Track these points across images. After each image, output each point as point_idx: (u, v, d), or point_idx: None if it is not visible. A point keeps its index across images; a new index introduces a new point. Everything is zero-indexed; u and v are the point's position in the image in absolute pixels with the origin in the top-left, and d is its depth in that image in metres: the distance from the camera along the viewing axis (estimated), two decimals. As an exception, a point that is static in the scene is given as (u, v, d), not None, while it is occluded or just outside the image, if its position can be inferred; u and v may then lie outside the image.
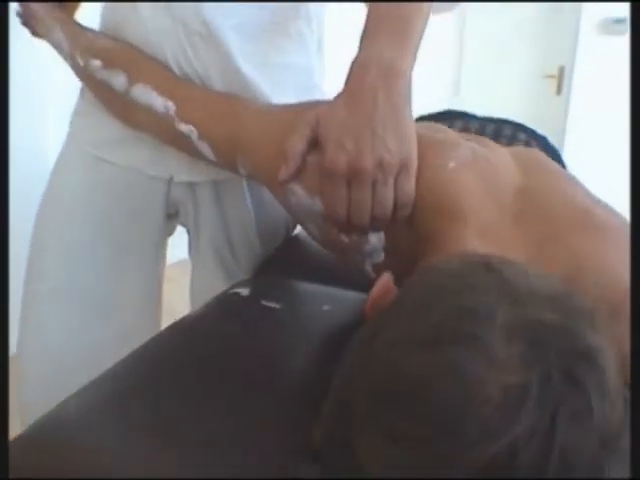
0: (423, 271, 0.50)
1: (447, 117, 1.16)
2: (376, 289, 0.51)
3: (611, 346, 0.39)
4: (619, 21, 3.47)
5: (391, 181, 0.61)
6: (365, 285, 0.83)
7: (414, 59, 0.66)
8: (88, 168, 0.89)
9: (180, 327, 0.74)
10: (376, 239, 0.67)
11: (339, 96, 0.64)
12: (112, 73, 0.79)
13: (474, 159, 0.69)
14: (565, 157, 3.70)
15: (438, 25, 4.21)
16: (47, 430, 0.56)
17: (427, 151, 0.65)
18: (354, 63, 0.64)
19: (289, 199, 0.68)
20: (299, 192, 0.67)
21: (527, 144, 1.08)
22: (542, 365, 0.35)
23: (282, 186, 0.67)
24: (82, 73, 0.85)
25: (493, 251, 0.56)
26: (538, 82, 3.93)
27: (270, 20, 0.83)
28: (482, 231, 0.63)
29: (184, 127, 0.76)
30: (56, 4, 0.88)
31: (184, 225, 0.98)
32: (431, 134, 0.73)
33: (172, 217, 0.96)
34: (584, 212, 0.67)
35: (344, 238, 0.67)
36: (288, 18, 0.85)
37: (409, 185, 0.62)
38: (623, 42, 3.49)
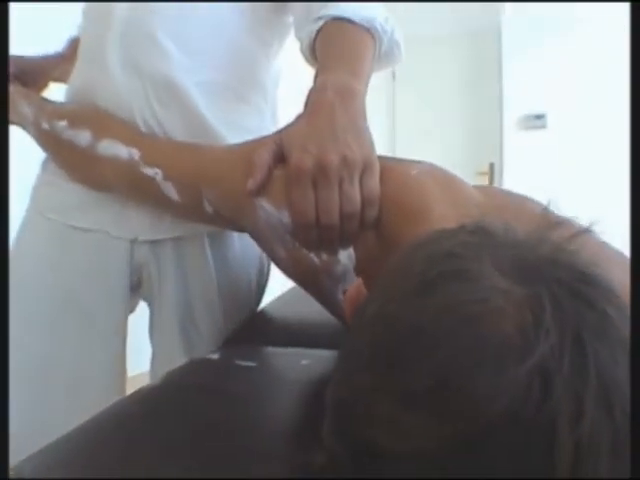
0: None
1: None
2: (351, 289, 0.52)
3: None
4: (539, 117, 3.73)
5: (356, 178, 0.60)
6: (338, 344, 0.81)
7: (366, 89, 0.71)
8: (52, 235, 0.87)
9: (154, 386, 0.69)
10: (346, 258, 0.67)
11: (300, 115, 0.65)
12: (78, 131, 0.81)
13: (434, 170, 0.69)
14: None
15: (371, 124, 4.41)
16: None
17: (389, 162, 0.66)
18: (312, 88, 0.67)
19: (258, 218, 0.67)
20: (267, 207, 0.66)
21: None
22: (547, 287, 0.32)
23: (250, 199, 0.66)
24: (45, 138, 0.86)
25: None
26: (472, 179, 4.12)
27: (228, 84, 0.86)
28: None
29: (149, 170, 0.77)
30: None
31: (146, 298, 0.94)
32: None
33: (135, 289, 0.92)
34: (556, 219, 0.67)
35: (315, 259, 0.66)
36: (245, 85, 0.89)
37: (374, 182, 0.62)
38: (544, 135, 3.75)
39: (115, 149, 0.79)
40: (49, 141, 0.87)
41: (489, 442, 0.29)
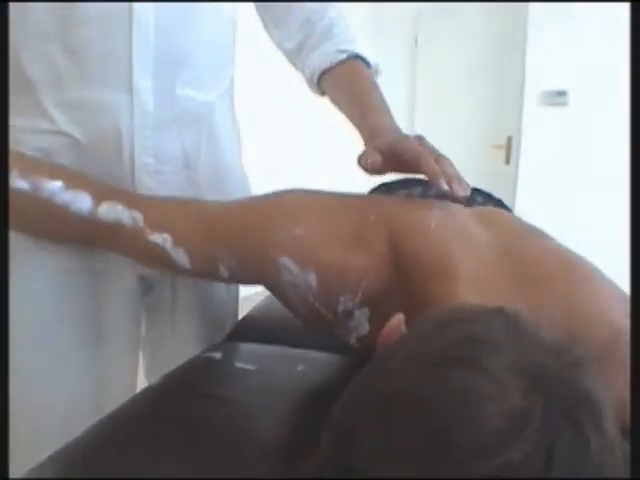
0: (432, 311, 0.50)
1: (406, 184, 1.20)
2: (387, 327, 0.52)
3: (608, 396, 0.40)
4: (561, 93, 3.68)
5: None
6: (335, 347, 0.85)
7: None
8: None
9: (155, 388, 0.73)
10: (360, 313, 0.68)
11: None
12: (76, 194, 0.72)
13: (447, 219, 0.72)
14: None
15: (390, 99, 4.38)
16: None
17: (408, 216, 0.70)
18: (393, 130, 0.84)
19: (280, 278, 0.68)
20: (292, 268, 0.67)
21: (484, 205, 1.13)
22: (545, 399, 0.36)
23: (273, 259, 0.67)
24: (32, 207, 0.72)
25: (488, 302, 0.56)
26: (488, 152, 4.09)
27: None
28: (475, 284, 0.65)
29: (157, 237, 0.72)
30: None
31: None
32: (404, 200, 0.79)
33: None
34: (568, 263, 0.70)
35: (330, 316, 0.68)
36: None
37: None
38: (565, 113, 3.70)
39: (116, 212, 0.72)
40: (38, 211, 0.72)
41: None
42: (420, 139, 0.74)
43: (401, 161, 0.72)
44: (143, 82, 0.79)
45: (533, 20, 3.67)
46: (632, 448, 0.51)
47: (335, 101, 0.99)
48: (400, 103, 4.39)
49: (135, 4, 0.75)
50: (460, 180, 0.68)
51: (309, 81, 1.02)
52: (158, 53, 0.79)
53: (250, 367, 0.78)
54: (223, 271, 0.72)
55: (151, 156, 0.82)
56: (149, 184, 0.82)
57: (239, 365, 0.79)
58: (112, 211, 0.72)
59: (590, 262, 0.73)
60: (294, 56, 1.03)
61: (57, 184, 0.71)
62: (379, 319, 0.61)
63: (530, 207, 3.82)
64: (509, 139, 3.96)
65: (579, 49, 3.49)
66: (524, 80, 3.79)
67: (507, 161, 3.99)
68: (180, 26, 0.82)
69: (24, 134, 0.77)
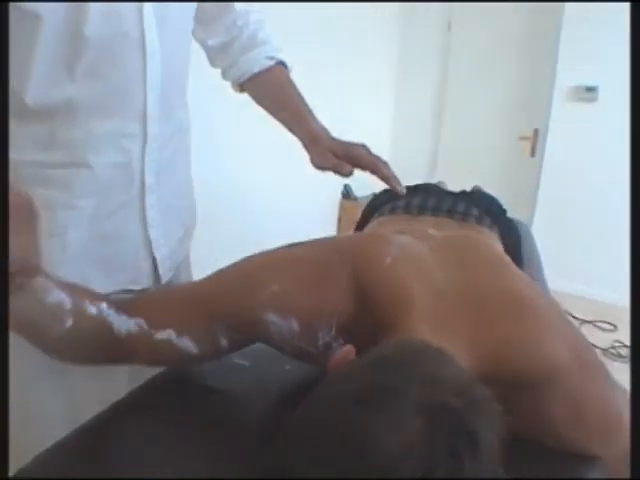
0: (367, 353, 0.61)
1: (422, 192, 1.29)
2: (338, 355, 0.64)
3: (499, 430, 0.52)
4: (590, 89, 3.66)
5: None
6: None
7: None
8: None
9: (154, 379, 0.85)
10: (337, 344, 0.77)
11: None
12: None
13: (406, 255, 0.81)
14: (537, 216, 3.87)
15: (418, 89, 4.36)
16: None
17: (367, 253, 0.81)
18: (321, 131, 1.05)
19: (269, 330, 0.77)
20: (277, 321, 0.76)
21: (478, 219, 1.20)
22: (433, 432, 0.48)
23: (262, 316, 0.77)
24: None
25: (437, 335, 0.70)
26: (514, 144, 4.10)
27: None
28: (426, 316, 0.75)
29: (162, 334, 0.76)
30: None
31: None
32: (366, 234, 0.93)
33: None
34: (517, 298, 0.78)
35: (312, 349, 0.78)
36: None
37: None
38: (594, 109, 3.69)
39: (125, 324, 0.74)
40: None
41: None
42: (366, 147, 0.99)
43: (354, 163, 0.98)
44: (153, 110, 0.87)
45: (569, 16, 3.65)
46: (632, 448, 0.63)
47: (261, 102, 1.15)
48: (431, 90, 4.42)
49: (146, 36, 0.82)
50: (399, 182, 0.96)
51: (234, 80, 1.15)
52: (164, 81, 0.87)
53: (245, 363, 0.89)
54: (223, 342, 0.78)
55: (153, 176, 0.90)
56: (152, 202, 0.92)
57: (236, 360, 0.90)
58: (124, 323, 0.74)
59: (548, 298, 0.82)
60: (215, 53, 1.14)
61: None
62: (354, 344, 0.70)
63: (553, 201, 3.85)
64: (536, 131, 3.97)
65: (612, 46, 3.47)
66: (555, 73, 3.78)
67: (532, 153, 4.00)
68: (177, 52, 0.91)
69: (42, 168, 0.83)
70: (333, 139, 1.04)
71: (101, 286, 0.82)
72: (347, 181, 4.07)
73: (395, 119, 4.65)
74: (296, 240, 0.87)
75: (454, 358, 0.60)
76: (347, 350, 0.64)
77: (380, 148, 0.81)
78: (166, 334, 0.76)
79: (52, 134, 0.81)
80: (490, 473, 0.49)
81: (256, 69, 1.11)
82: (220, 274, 0.83)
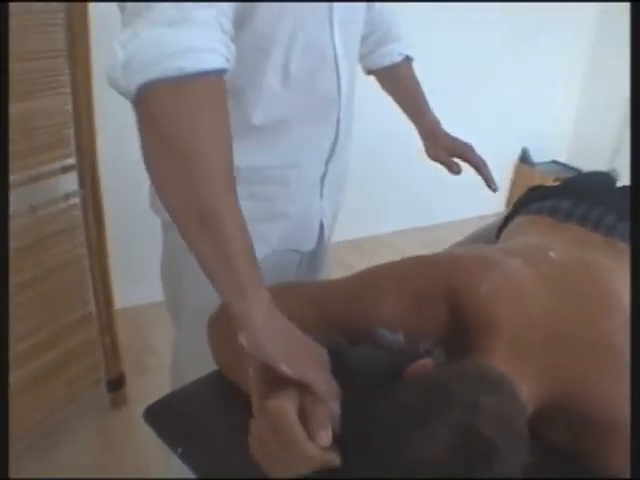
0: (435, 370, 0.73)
1: (575, 193, 1.21)
2: (412, 367, 0.73)
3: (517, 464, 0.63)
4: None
5: None
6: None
7: None
8: None
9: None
10: (438, 352, 0.87)
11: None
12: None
13: (505, 283, 0.84)
14: None
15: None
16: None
17: (465, 278, 0.85)
18: (435, 122, 1.30)
19: (377, 341, 0.88)
20: (386, 334, 0.86)
21: (613, 227, 1.09)
22: (456, 449, 0.60)
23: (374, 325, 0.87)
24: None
25: (513, 362, 0.76)
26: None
27: None
28: (510, 345, 0.78)
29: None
30: None
31: None
32: (475, 257, 0.92)
33: None
34: (605, 344, 0.79)
35: (415, 354, 0.85)
36: None
37: None
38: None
39: None
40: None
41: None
42: (472, 147, 1.22)
43: (462, 159, 1.21)
44: (343, 113, 1.05)
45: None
46: (632, 447, 0.65)
47: (386, 89, 1.38)
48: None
49: (339, 59, 0.97)
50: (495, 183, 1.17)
51: (366, 67, 1.36)
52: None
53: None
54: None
55: (332, 163, 1.11)
56: (326, 181, 1.13)
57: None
58: None
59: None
60: None
61: None
62: (450, 354, 0.86)
63: None
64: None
65: None
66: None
67: None
68: (355, 60, 1.09)
69: (264, 170, 1.01)
70: (446, 135, 1.27)
71: (280, 245, 1.10)
72: (527, 144, 4.07)
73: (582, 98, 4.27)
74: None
75: (513, 385, 0.70)
76: (424, 363, 0.73)
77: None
78: None
79: (271, 143, 0.99)
80: None
81: (387, 62, 1.32)
82: (343, 283, 0.93)
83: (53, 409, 1.89)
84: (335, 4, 0.92)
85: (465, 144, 1.25)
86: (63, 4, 1.50)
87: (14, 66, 1.37)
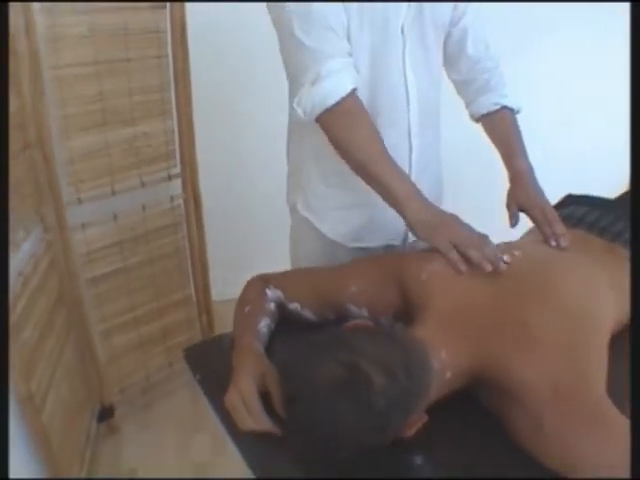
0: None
1: (588, 202, 1.38)
2: (353, 322, 0.96)
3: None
4: None
5: None
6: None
7: None
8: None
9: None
10: (397, 326, 1.11)
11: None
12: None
13: (443, 274, 1.03)
14: None
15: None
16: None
17: (411, 268, 1.08)
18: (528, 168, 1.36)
19: (350, 315, 1.12)
20: (353, 309, 1.13)
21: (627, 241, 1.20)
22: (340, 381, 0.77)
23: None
24: None
25: (442, 335, 0.91)
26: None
27: None
28: (440, 320, 0.95)
29: (292, 306, 1.14)
30: None
31: None
32: (419, 254, 1.15)
33: None
34: (527, 333, 0.90)
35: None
36: None
37: None
38: None
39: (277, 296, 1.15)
40: None
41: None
42: (546, 208, 1.23)
43: (528, 215, 1.26)
44: (414, 128, 1.31)
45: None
46: (632, 448, 0.67)
47: (489, 137, 1.47)
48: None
49: (408, 82, 1.27)
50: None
51: (470, 115, 1.51)
52: (420, 107, 1.30)
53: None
54: (331, 316, 1.14)
55: (414, 174, 1.34)
56: None
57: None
58: (273, 293, 1.15)
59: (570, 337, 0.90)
60: (458, 86, 1.51)
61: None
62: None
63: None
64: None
65: None
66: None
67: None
68: (429, 85, 1.34)
69: (342, 210, 1.40)
70: (527, 186, 1.30)
71: (377, 241, 1.41)
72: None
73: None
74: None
75: (426, 348, 0.87)
76: (359, 322, 0.95)
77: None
78: (294, 306, 1.13)
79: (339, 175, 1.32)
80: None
81: (483, 111, 1.46)
82: (329, 271, 1.18)
83: (151, 373, 2.30)
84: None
85: (538, 204, 1.24)
86: (169, 48, 1.95)
87: (136, 98, 1.89)
